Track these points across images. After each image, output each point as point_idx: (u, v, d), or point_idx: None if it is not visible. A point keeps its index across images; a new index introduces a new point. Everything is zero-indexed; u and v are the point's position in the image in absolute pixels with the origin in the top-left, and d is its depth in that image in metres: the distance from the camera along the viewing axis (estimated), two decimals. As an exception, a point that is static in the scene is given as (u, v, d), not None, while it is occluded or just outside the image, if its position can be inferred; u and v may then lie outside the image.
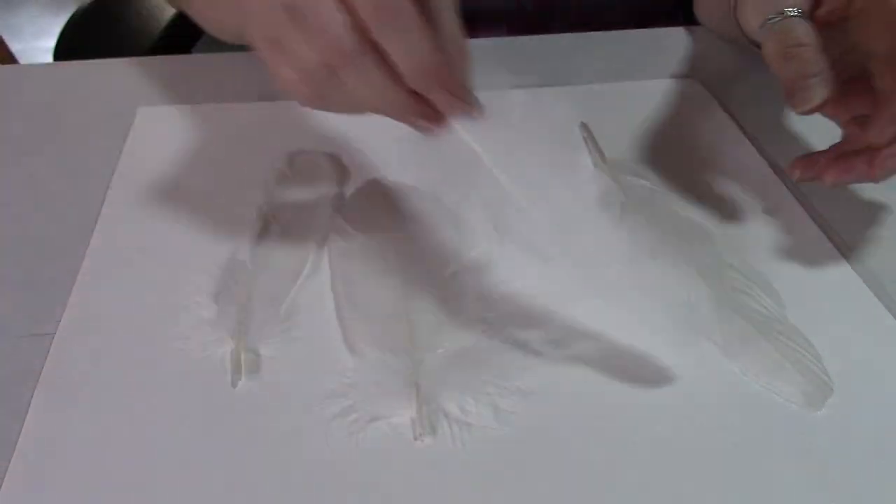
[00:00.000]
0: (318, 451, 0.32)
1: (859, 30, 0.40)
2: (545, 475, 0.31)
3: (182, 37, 0.82)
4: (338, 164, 0.48)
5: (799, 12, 0.37)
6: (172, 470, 0.31)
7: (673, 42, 0.63)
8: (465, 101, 0.37)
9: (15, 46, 1.37)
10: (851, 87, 0.39)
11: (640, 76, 0.58)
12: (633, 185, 0.46)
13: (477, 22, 0.73)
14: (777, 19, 0.37)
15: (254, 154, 0.49)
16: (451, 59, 0.37)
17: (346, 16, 0.34)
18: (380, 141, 0.49)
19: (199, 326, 0.37)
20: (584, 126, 0.52)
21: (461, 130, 0.38)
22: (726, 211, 0.45)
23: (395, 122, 0.38)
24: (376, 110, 0.38)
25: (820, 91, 0.36)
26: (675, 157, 0.49)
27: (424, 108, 0.37)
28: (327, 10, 0.34)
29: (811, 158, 0.40)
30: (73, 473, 0.31)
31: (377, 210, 0.44)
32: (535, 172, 0.47)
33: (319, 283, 0.40)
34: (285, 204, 0.45)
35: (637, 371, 0.36)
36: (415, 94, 0.36)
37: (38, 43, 2.21)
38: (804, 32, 0.37)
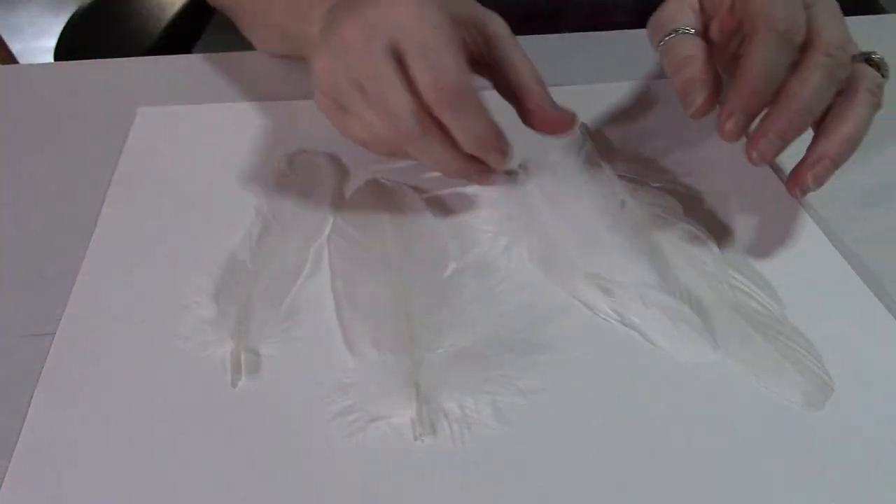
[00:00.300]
0: (318, 451, 0.32)
1: (744, 40, 0.43)
2: (545, 475, 0.31)
3: (182, 37, 0.82)
4: (338, 164, 0.48)
5: (691, 30, 0.40)
6: (172, 470, 0.31)
7: (673, 42, 0.63)
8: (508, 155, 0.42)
9: (15, 46, 1.37)
10: None
11: (640, 76, 0.58)
12: (632, 184, 0.46)
13: None
14: (671, 37, 0.41)
15: (254, 154, 0.49)
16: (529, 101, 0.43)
17: (411, 98, 0.38)
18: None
19: (199, 326, 0.37)
20: (584, 126, 0.52)
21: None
22: (726, 211, 0.45)
23: None
24: (436, 172, 0.44)
25: (700, 94, 0.39)
26: (675, 156, 0.49)
27: (479, 166, 0.42)
28: (394, 94, 0.38)
29: (799, 172, 0.41)
30: (73, 473, 0.31)
31: (377, 210, 0.44)
32: (535, 172, 0.47)
33: (319, 283, 0.40)
34: (285, 204, 0.45)
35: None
36: (470, 156, 0.41)
37: (38, 43, 2.22)
38: (692, 46, 0.40)
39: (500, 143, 0.41)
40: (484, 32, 0.42)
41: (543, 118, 0.43)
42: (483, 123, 0.40)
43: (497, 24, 0.43)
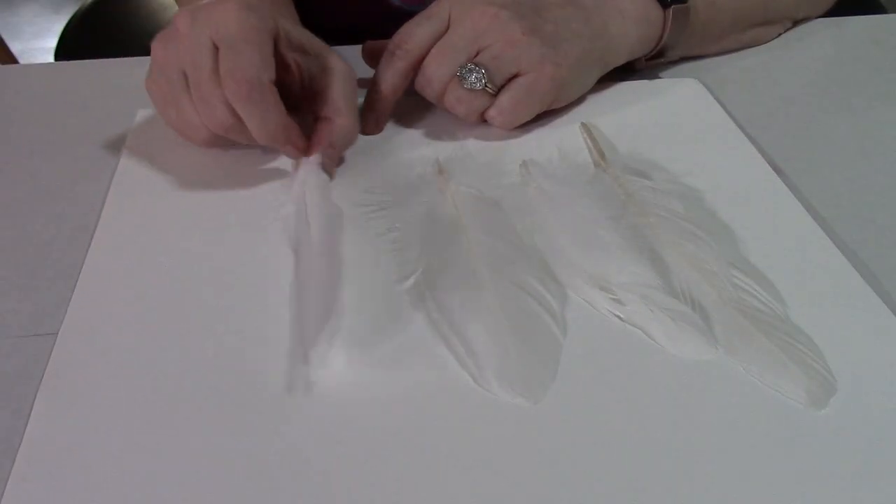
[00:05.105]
0: (320, 451, 0.32)
1: None
2: (544, 473, 0.31)
3: (182, 37, 0.82)
4: None
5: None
6: (175, 470, 0.31)
7: (673, 41, 0.63)
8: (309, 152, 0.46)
9: (15, 46, 1.37)
10: None
11: (640, 76, 0.58)
12: (633, 184, 0.46)
13: None
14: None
15: (253, 154, 0.49)
16: (334, 122, 0.47)
17: (221, 91, 0.42)
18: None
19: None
20: (583, 126, 0.52)
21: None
22: (726, 210, 0.45)
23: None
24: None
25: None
26: (674, 157, 0.49)
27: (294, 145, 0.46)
28: (208, 84, 0.43)
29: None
30: (77, 474, 0.31)
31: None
32: (535, 172, 0.47)
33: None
34: None
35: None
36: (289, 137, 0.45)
37: (38, 43, 2.22)
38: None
39: (292, 139, 0.45)
40: (322, 64, 0.47)
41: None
42: (274, 119, 0.43)
43: (336, 61, 0.47)
